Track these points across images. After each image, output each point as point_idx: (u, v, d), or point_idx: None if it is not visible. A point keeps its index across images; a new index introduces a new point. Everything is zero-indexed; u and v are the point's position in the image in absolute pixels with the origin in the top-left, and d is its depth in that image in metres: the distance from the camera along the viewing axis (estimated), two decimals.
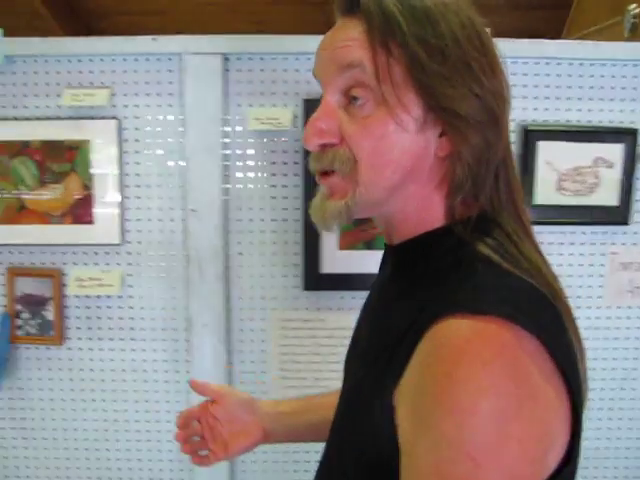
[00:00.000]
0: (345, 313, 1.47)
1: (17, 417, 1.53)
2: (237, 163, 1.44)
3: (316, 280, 1.43)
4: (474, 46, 0.62)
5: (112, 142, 1.43)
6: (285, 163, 1.44)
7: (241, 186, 1.44)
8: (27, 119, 1.45)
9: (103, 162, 1.44)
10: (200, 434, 0.95)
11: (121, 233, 1.45)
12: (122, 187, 1.44)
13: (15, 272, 1.49)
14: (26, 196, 1.45)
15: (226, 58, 1.40)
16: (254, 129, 1.40)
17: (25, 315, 1.49)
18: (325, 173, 0.66)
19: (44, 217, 1.46)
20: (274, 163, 1.44)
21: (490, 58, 0.63)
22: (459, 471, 0.49)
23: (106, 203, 1.44)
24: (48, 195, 1.45)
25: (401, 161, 0.62)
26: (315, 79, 0.69)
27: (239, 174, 1.44)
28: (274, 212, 1.45)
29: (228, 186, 1.44)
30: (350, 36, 0.62)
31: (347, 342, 0.83)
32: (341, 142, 0.63)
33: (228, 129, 1.43)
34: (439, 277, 0.61)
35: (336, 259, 1.43)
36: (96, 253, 1.47)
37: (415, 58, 0.60)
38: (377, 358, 0.63)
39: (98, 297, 1.48)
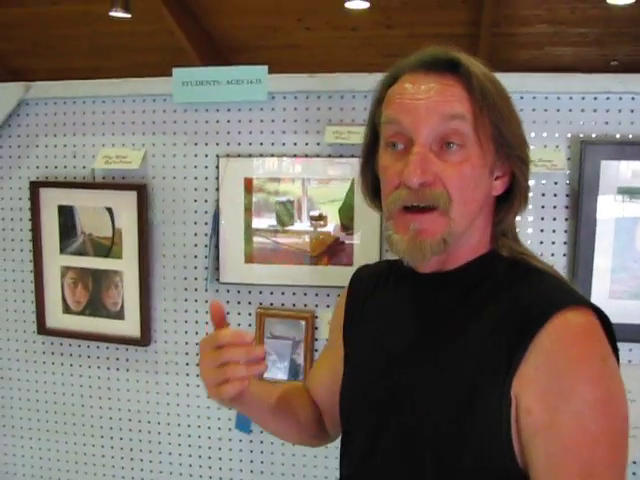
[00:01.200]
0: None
1: (256, 460, 1.49)
2: None
3: None
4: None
5: None
6: (554, 207, 1.35)
7: None
8: (284, 155, 1.43)
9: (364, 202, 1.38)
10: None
11: None
12: (381, 229, 1.38)
13: (265, 313, 1.45)
14: (282, 235, 1.42)
15: None
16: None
17: (273, 357, 1.45)
18: (417, 211, 0.74)
19: (299, 257, 1.42)
20: (543, 207, 1.35)
21: None
22: (599, 427, 0.65)
23: (366, 244, 1.39)
24: (305, 235, 1.41)
25: (480, 198, 0.76)
26: (390, 123, 0.76)
27: None
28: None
29: None
30: (452, 92, 0.73)
31: None
32: (435, 181, 0.72)
33: None
34: (517, 287, 0.75)
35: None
36: None
37: (500, 114, 0.74)
38: (466, 362, 0.72)
39: None
